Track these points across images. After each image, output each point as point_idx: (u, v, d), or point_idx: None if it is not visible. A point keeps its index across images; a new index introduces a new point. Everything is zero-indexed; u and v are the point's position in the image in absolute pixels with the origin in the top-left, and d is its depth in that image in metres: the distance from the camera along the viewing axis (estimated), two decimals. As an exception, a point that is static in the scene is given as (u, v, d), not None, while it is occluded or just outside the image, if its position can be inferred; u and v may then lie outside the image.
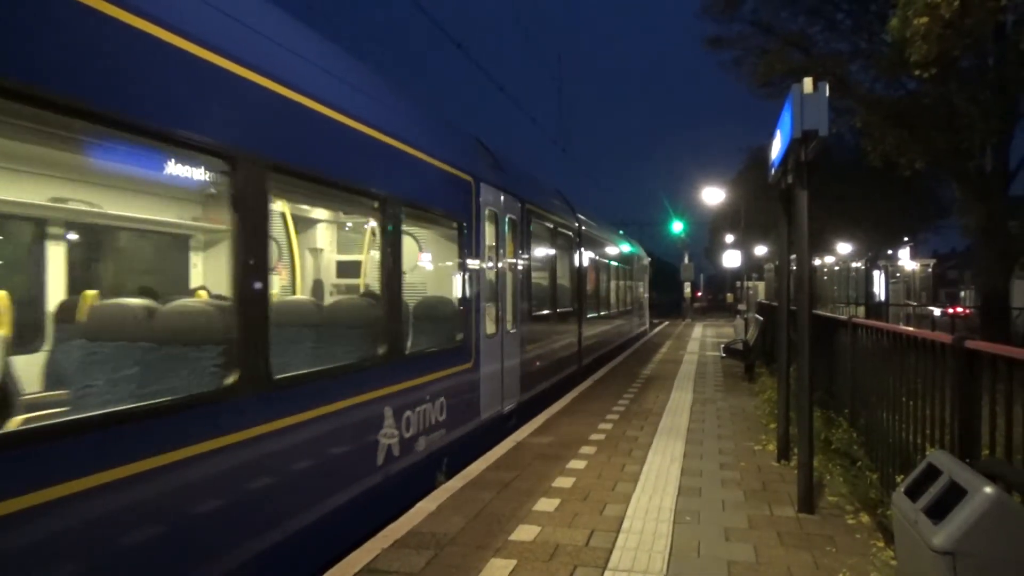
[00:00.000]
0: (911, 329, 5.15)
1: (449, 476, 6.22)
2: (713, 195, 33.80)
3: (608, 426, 8.25)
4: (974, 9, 10.39)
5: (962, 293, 45.79)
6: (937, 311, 30.88)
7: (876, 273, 27.89)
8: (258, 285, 3.85)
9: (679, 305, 44.62)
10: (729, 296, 49.02)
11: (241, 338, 3.72)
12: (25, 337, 4.94)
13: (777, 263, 8.84)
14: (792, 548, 4.42)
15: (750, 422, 8.52)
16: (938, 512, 2.66)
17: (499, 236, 8.43)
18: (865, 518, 4.89)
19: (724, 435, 7.79)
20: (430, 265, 8.11)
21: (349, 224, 8.02)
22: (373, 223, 6.30)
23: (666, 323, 35.61)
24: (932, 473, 2.91)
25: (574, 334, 13.12)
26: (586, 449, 7.10)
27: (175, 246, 5.98)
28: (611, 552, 4.36)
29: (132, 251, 5.56)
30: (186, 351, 3.84)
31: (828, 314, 8.80)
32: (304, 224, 7.35)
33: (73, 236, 5.33)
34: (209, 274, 5.79)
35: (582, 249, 13.90)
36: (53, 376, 4.29)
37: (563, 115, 20.79)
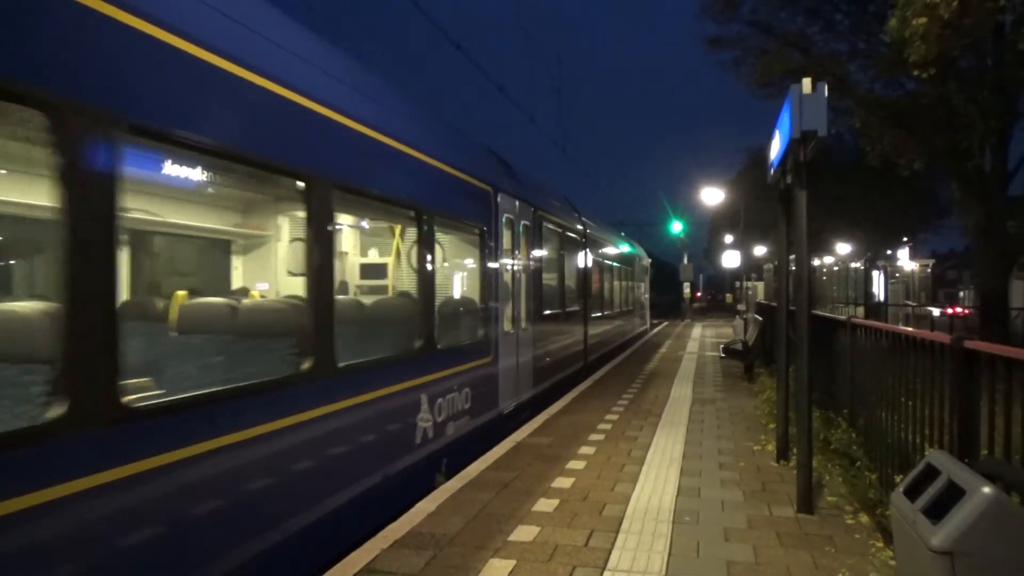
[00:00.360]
0: (910, 329, 5.15)
1: (469, 462, 6.63)
2: (712, 195, 33.84)
3: (608, 426, 8.26)
4: (973, 9, 10.40)
5: (961, 293, 45.85)
6: (936, 311, 30.91)
7: (875, 273, 27.92)
8: (325, 287, 4.56)
9: (678, 305, 44.64)
10: (728, 296, 49.06)
11: (314, 332, 4.42)
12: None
13: (776, 263, 8.86)
14: (791, 548, 4.42)
15: (749, 422, 8.53)
16: (937, 512, 2.66)
17: (514, 240, 9.08)
18: (864, 518, 4.89)
19: (723, 435, 7.80)
20: (456, 268, 8.56)
21: (391, 231, 8.38)
22: (411, 231, 6.88)
23: (665, 323, 35.62)
24: (931, 473, 2.91)
25: (580, 332, 13.75)
26: (585, 449, 7.10)
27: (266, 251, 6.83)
28: (610, 552, 4.36)
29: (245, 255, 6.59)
30: (278, 342, 4.60)
31: (827, 314, 8.81)
32: (356, 233, 7.81)
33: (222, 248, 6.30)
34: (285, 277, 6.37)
35: (587, 251, 14.60)
36: (205, 356, 4.73)
37: (563, 115, 20.79)
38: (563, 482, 5.94)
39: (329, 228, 4.62)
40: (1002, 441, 3.25)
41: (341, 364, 4.66)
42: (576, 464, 6.53)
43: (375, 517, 5.00)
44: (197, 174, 5.02)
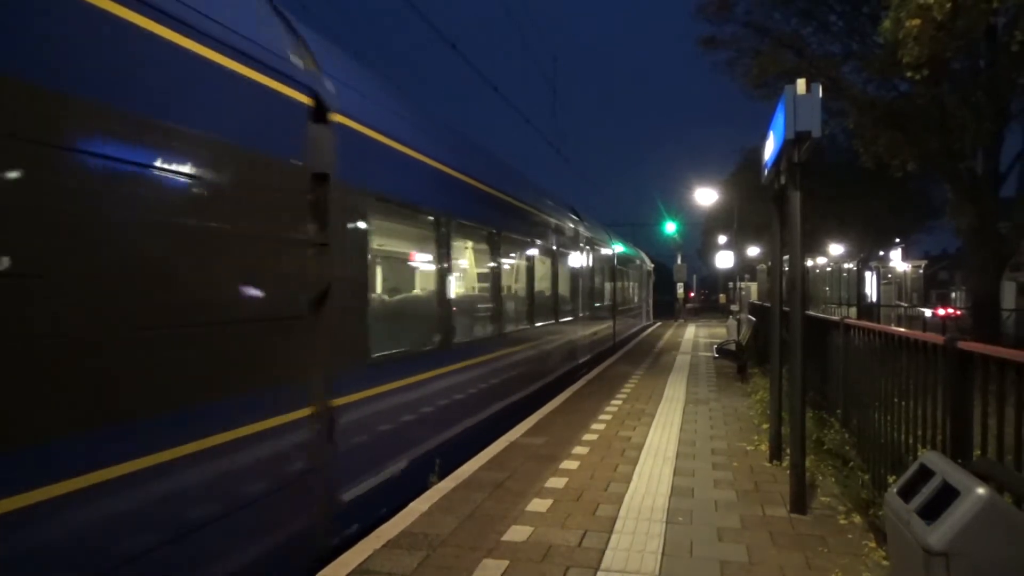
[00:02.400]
0: (903, 330, 5.17)
1: (567, 383, 12.03)
2: (706, 196, 33.83)
3: (601, 426, 8.26)
4: (966, 11, 10.44)
5: (953, 294, 46.04)
6: (928, 312, 31.05)
7: (868, 274, 28.03)
8: (449, 287, 7.04)
9: (672, 306, 44.74)
10: (722, 297, 49.15)
11: (443, 318, 6.97)
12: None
13: (770, 264, 8.88)
14: (784, 548, 4.42)
15: (742, 422, 8.54)
16: (931, 513, 2.66)
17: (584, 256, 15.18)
18: (857, 518, 4.90)
19: (717, 435, 7.80)
20: (568, 274, 13.54)
21: (536, 250, 11.21)
22: (548, 255, 12.06)
23: (658, 324, 35.66)
24: (924, 474, 2.91)
25: (611, 321, 19.28)
26: (579, 449, 7.10)
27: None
28: (604, 552, 4.35)
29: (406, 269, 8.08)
30: (437, 324, 6.93)
31: (820, 315, 8.83)
32: (487, 252, 9.06)
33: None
34: (427, 281, 7.62)
35: (615, 263, 20.34)
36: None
37: (557, 115, 20.79)
38: (556, 482, 5.93)
39: (452, 248, 7.09)
40: (995, 442, 3.26)
41: (456, 341, 7.25)
42: (570, 464, 6.53)
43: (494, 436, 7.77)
44: (406, 223, 6.85)
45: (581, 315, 14.45)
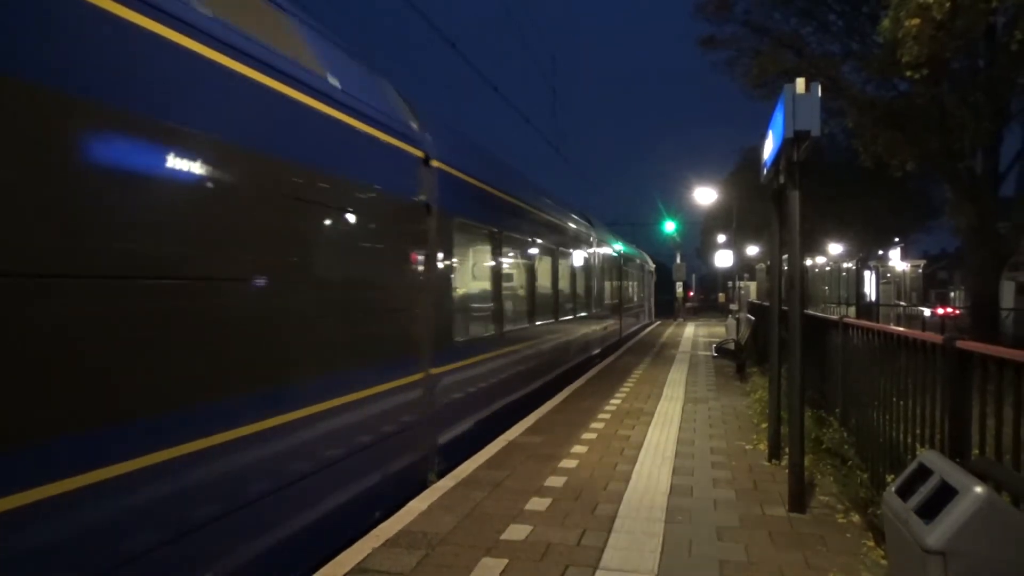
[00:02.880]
0: (902, 329, 5.17)
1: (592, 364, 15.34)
2: (705, 195, 33.86)
3: (600, 424, 8.27)
4: (965, 11, 10.44)
5: (952, 294, 46.04)
6: (927, 311, 31.05)
7: (867, 273, 28.01)
8: (505, 288, 9.24)
9: (671, 305, 44.76)
10: (721, 296, 49.16)
11: (498, 312, 8.95)
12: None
13: (769, 263, 8.87)
14: (783, 547, 4.43)
15: (741, 421, 8.54)
16: (929, 512, 2.66)
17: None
18: (856, 517, 4.90)
19: (716, 434, 7.81)
20: (585, 276, 15.76)
21: (563, 257, 13.27)
22: (571, 261, 14.05)
23: (658, 323, 35.66)
24: (923, 473, 2.92)
25: (618, 317, 21.65)
26: (578, 448, 7.11)
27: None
28: (603, 551, 4.36)
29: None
30: (496, 317, 8.92)
31: (819, 314, 8.83)
32: (528, 259, 11.03)
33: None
34: (490, 283, 9.23)
35: (621, 264, 22.80)
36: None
37: (556, 115, 20.78)
38: (555, 481, 5.93)
39: (507, 255, 9.51)
40: (993, 441, 3.26)
41: (506, 329, 9.21)
42: (569, 463, 6.53)
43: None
44: (478, 238, 8.68)
45: (595, 312, 16.91)
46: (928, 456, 3.04)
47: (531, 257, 10.84)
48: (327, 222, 4.75)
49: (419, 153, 6.19)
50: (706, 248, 59.74)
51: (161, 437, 3.17)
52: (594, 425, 8.24)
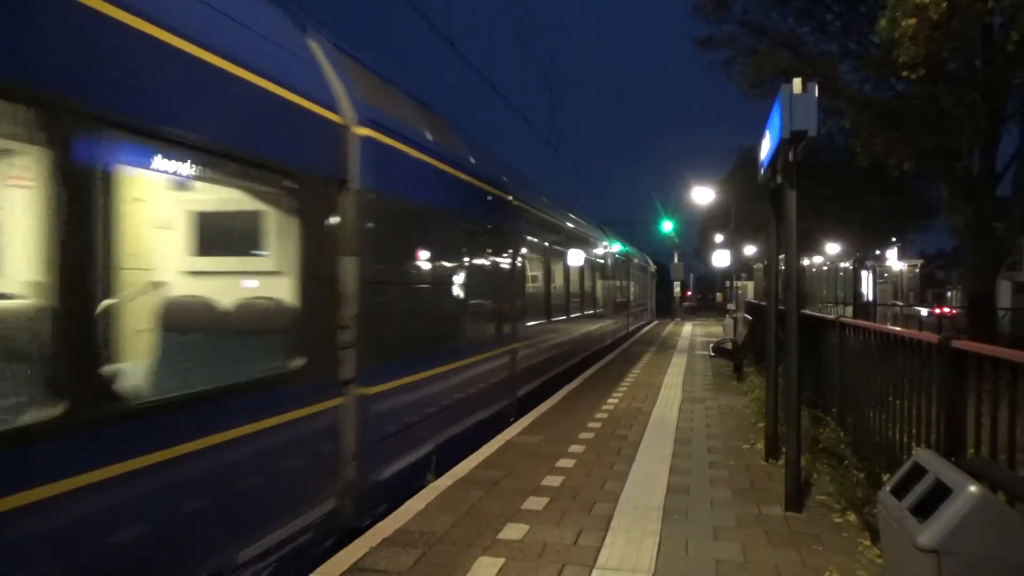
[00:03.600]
0: (898, 329, 5.18)
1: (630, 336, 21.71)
2: (703, 195, 33.86)
3: (598, 424, 8.28)
4: (962, 11, 10.45)
5: (949, 293, 46.12)
6: (924, 311, 31.11)
7: (864, 273, 28.05)
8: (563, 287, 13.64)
9: (669, 304, 44.82)
10: (719, 296, 49.16)
11: (549, 306, 12.03)
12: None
13: (766, 263, 8.89)
14: (780, 546, 4.44)
15: (738, 421, 8.56)
16: (924, 511, 2.67)
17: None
18: (852, 516, 4.91)
19: (713, 434, 7.82)
20: (603, 278, 19.42)
21: (592, 264, 17.13)
22: (595, 267, 17.48)
23: (655, 323, 35.68)
24: (918, 472, 2.92)
25: (626, 316, 25.03)
26: (575, 448, 7.11)
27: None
28: (599, 550, 4.36)
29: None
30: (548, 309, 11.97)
31: (816, 314, 8.84)
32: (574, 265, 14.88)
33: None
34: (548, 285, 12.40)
35: (629, 268, 26.28)
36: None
37: (554, 113, 20.79)
38: (553, 480, 5.94)
39: (557, 263, 12.52)
40: (988, 440, 3.27)
41: (553, 318, 12.40)
42: (566, 462, 6.54)
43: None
44: (539, 253, 11.56)
45: (608, 309, 20.24)
46: (923, 455, 3.05)
47: (574, 266, 14.68)
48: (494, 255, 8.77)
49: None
50: (704, 248, 59.77)
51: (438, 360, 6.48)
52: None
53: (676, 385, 11.86)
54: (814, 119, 4.83)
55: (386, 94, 5.93)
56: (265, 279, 4.53)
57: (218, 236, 4.66)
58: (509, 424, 8.36)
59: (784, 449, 5.53)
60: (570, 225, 14.29)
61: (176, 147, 3.43)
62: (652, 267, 39.41)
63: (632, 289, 27.51)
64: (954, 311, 29.75)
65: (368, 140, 5.04)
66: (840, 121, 17.98)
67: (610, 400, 10.06)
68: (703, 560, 4.22)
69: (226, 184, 4.26)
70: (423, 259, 6.34)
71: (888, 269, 37.13)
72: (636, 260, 30.04)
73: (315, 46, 4.90)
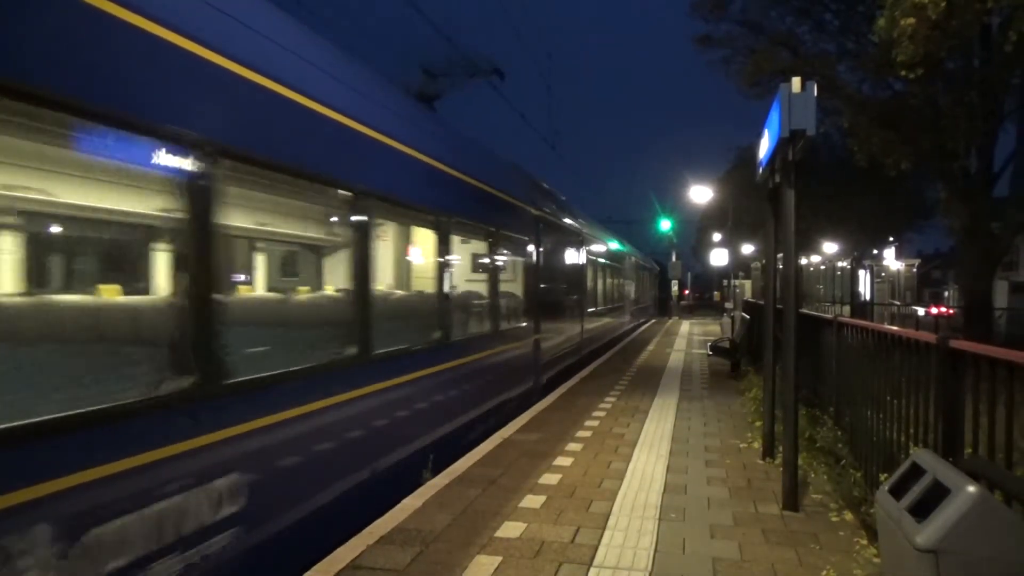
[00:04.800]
0: (896, 328, 5.18)
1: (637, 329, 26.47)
2: (701, 194, 33.87)
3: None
4: (960, 11, 10.47)
5: (946, 293, 46.21)
6: (921, 311, 31.17)
7: (862, 273, 28.10)
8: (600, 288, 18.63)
9: (666, 303, 44.88)
10: (717, 295, 49.20)
11: (584, 301, 15.74)
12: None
13: (764, 262, 8.90)
14: (776, 545, 4.44)
15: (736, 419, 8.56)
16: (922, 510, 2.67)
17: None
18: (849, 516, 4.92)
19: (710, 432, 7.82)
20: (622, 281, 23.72)
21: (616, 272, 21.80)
22: (620, 274, 23.04)
23: (652, 321, 35.71)
24: (916, 472, 2.92)
25: (633, 314, 27.66)
26: (573, 445, 7.11)
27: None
28: (597, 549, 4.36)
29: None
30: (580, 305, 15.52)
31: (814, 313, 8.86)
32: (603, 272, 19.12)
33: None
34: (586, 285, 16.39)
35: (636, 271, 29.62)
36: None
37: (552, 112, 20.80)
38: (550, 478, 5.94)
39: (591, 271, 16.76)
40: (986, 440, 3.27)
41: (591, 309, 16.66)
42: (563, 460, 6.53)
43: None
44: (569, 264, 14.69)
45: (620, 307, 23.62)
46: (921, 455, 3.05)
47: (604, 272, 19.34)
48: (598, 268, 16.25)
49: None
50: (702, 246, 59.82)
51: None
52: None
53: (674, 384, 11.89)
54: (812, 118, 4.82)
55: (544, 193, 12.20)
56: (510, 285, 9.67)
57: (492, 267, 8.66)
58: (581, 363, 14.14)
59: (781, 448, 5.53)
60: (613, 248, 20.86)
61: (494, 235, 8.60)
62: (656, 268, 43.18)
63: (641, 293, 32.61)
64: (951, 311, 29.82)
65: (539, 217, 10.83)
66: (838, 120, 18.04)
67: (607, 399, 10.08)
68: (700, 559, 4.22)
69: (503, 244, 9.19)
70: (553, 277, 12.17)
71: (885, 268, 37.21)
72: (647, 267, 36.47)
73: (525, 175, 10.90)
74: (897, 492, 2.94)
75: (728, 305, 30.79)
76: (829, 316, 7.23)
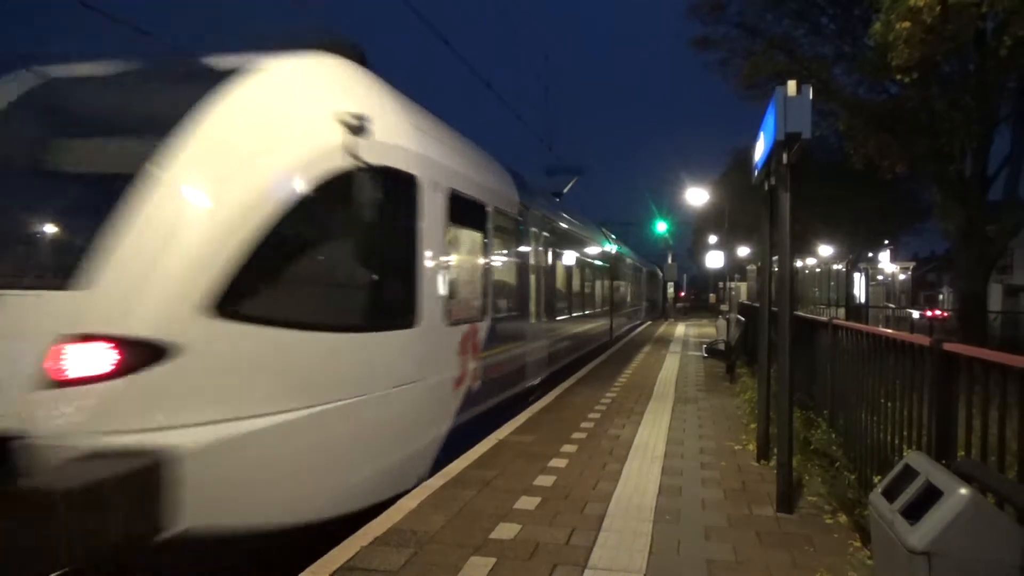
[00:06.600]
0: (890, 331, 5.20)
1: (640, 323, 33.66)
2: (697, 196, 33.95)
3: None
4: (955, 15, 10.52)
5: (941, 296, 46.34)
6: (916, 314, 31.26)
7: (857, 275, 28.14)
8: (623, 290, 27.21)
9: (662, 305, 45.01)
10: (712, 297, 49.30)
11: (616, 300, 23.97)
12: None
13: (759, 264, 8.94)
14: (771, 547, 4.45)
15: (731, 422, 8.57)
16: (914, 513, 2.68)
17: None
18: (843, 518, 4.93)
19: (705, 434, 7.83)
20: (627, 284, 29.09)
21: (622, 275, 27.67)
22: (626, 278, 28.81)
23: (648, 323, 35.77)
24: (909, 474, 2.93)
25: (639, 315, 32.33)
26: (567, 447, 7.12)
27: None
28: (591, 550, 4.36)
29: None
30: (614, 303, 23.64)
31: (809, 315, 8.88)
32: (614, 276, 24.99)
33: None
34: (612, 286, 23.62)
35: (641, 274, 33.67)
36: None
37: (549, 113, 20.95)
38: (545, 480, 5.94)
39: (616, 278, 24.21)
40: (979, 443, 3.29)
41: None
42: (558, 462, 6.54)
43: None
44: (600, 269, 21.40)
45: (630, 306, 28.55)
46: (914, 457, 3.06)
47: (615, 277, 23.53)
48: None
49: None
50: (697, 248, 59.92)
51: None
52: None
53: (670, 383, 11.90)
54: (808, 121, 4.83)
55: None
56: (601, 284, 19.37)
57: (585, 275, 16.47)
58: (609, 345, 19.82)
59: (776, 450, 5.54)
60: (629, 261, 26.18)
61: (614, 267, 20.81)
62: (658, 272, 46.35)
63: (644, 295, 36.14)
64: (946, 314, 29.91)
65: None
66: (834, 123, 18.07)
67: (604, 399, 10.09)
68: (694, 560, 4.23)
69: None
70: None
71: (880, 271, 37.28)
72: (650, 271, 40.52)
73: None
74: (890, 494, 2.95)
75: (723, 307, 30.88)
76: (824, 318, 7.24)
